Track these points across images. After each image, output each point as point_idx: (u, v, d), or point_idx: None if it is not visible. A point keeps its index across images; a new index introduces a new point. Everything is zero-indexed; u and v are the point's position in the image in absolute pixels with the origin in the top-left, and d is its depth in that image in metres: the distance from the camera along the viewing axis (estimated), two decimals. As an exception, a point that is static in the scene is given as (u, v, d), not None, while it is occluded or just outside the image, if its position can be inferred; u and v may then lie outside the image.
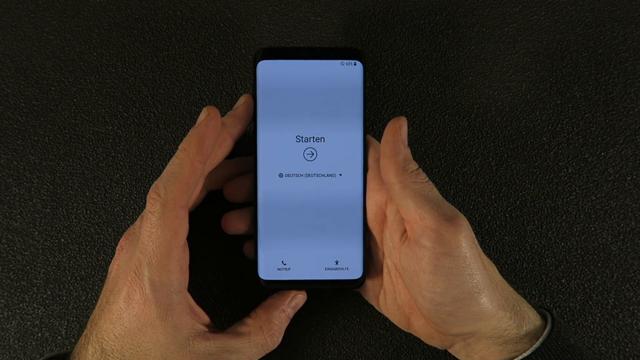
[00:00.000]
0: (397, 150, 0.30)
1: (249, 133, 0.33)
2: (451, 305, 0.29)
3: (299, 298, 0.33)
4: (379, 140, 0.33)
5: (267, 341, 0.31)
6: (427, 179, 0.30)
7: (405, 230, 0.31)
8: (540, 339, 0.30)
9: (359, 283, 0.33)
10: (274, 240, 0.33)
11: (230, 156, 0.35)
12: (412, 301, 0.32)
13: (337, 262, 0.33)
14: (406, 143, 0.31)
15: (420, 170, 0.31)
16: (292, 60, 0.32)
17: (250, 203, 0.34)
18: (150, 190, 0.28)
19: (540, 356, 0.29)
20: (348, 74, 0.32)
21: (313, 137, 0.32)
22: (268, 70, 0.32)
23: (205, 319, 0.31)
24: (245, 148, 0.34)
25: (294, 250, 0.33)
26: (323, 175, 0.33)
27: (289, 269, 0.33)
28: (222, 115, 0.31)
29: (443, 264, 0.28)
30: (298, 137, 0.32)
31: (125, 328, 0.28)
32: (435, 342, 0.33)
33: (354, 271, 0.33)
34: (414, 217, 0.29)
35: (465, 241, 0.29)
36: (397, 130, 0.31)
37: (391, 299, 0.33)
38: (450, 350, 0.33)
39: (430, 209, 0.29)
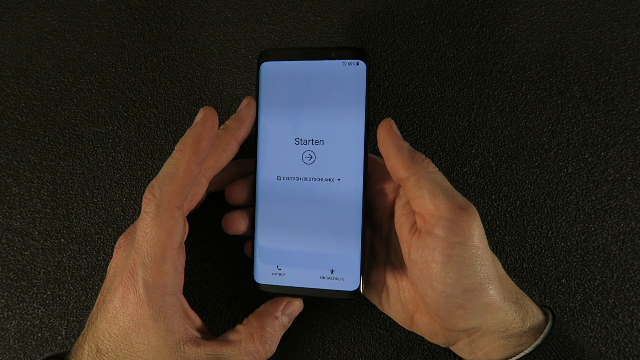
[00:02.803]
0: (398, 146, 0.30)
1: (251, 134, 0.33)
2: (461, 296, 0.28)
3: (295, 306, 0.32)
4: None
5: (259, 349, 0.30)
6: (436, 168, 0.30)
7: (414, 222, 0.30)
8: (542, 335, 0.29)
9: (355, 296, 0.31)
10: (270, 244, 0.32)
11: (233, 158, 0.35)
12: (416, 298, 0.32)
13: (332, 272, 0.31)
14: (402, 138, 0.31)
15: (429, 159, 0.30)
16: (295, 61, 0.32)
17: (249, 204, 0.33)
18: (146, 191, 0.28)
19: (542, 352, 0.29)
20: (350, 74, 0.31)
21: (312, 140, 0.31)
22: (271, 72, 0.32)
23: (199, 323, 0.30)
24: (247, 149, 0.34)
25: (290, 255, 0.32)
26: (321, 179, 0.31)
27: (284, 274, 0.32)
28: (220, 116, 0.31)
29: (456, 254, 0.28)
30: (297, 140, 0.32)
31: (120, 328, 0.28)
32: (439, 340, 0.32)
33: (350, 282, 0.31)
34: (429, 207, 0.29)
35: (478, 231, 0.28)
36: (390, 129, 0.30)
37: (394, 296, 0.33)
38: (452, 348, 0.32)
39: (445, 199, 0.28)
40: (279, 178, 0.32)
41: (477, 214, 0.29)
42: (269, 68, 0.32)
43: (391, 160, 0.30)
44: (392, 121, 0.31)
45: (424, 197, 0.29)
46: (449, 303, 0.29)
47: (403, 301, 0.33)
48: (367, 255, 0.33)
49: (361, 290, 0.32)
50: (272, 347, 0.31)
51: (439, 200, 0.29)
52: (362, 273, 0.31)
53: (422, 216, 0.30)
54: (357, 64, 0.31)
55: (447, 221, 0.28)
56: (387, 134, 0.30)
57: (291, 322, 0.32)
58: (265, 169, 0.32)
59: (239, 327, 0.31)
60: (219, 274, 0.37)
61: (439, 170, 0.38)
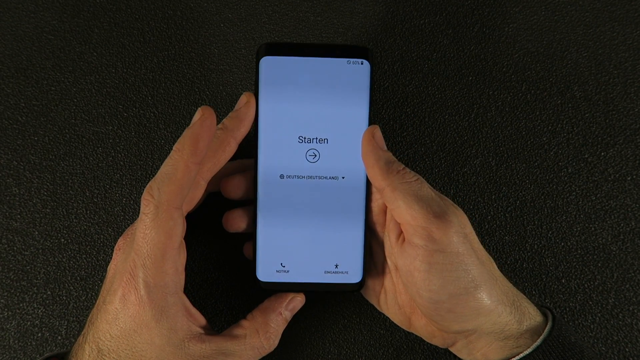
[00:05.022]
0: (377, 156, 0.30)
1: (250, 132, 0.32)
2: (449, 301, 0.28)
3: (297, 301, 0.32)
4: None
5: (263, 344, 0.30)
6: (415, 177, 0.30)
7: (401, 231, 0.30)
8: (542, 336, 0.29)
9: (358, 287, 0.32)
10: (273, 242, 0.32)
11: (233, 157, 0.35)
12: (412, 301, 0.32)
13: (336, 266, 0.32)
14: (384, 148, 0.31)
15: (407, 169, 0.30)
16: (297, 57, 0.31)
17: (247, 200, 0.33)
18: (144, 192, 0.28)
19: (542, 353, 0.29)
20: (354, 73, 0.31)
21: (316, 138, 0.31)
22: (271, 67, 0.31)
23: (202, 320, 0.30)
24: (248, 149, 0.34)
25: (294, 252, 0.32)
26: (325, 177, 0.31)
27: (288, 271, 0.32)
28: (220, 117, 0.31)
29: (436, 261, 0.28)
30: (301, 138, 0.31)
31: (120, 329, 0.28)
32: (437, 341, 0.32)
33: (354, 275, 0.32)
34: (406, 218, 0.29)
35: (457, 237, 0.28)
36: (371, 138, 0.31)
37: (392, 298, 0.33)
38: (451, 349, 0.32)
39: (420, 208, 0.28)
40: (282, 177, 0.31)
41: (457, 220, 0.29)
42: (269, 63, 0.31)
43: (369, 170, 0.30)
44: (377, 129, 0.31)
45: (400, 208, 0.29)
46: (438, 308, 0.29)
47: (400, 303, 0.32)
48: (369, 245, 0.33)
49: (364, 281, 0.32)
50: (275, 342, 0.31)
51: (414, 210, 0.29)
52: (364, 265, 0.32)
53: (403, 226, 0.30)
54: (362, 63, 0.31)
55: (423, 230, 0.28)
56: (368, 143, 0.31)
57: (292, 316, 0.33)
58: (267, 168, 0.31)
59: (243, 322, 0.31)
60: (219, 273, 0.37)
61: (439, 169, 0.38)
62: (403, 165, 0.30)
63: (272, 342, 0.31)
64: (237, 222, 0.33)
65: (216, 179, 0.33)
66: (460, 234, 0.29)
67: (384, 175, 0.30)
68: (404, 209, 0.29)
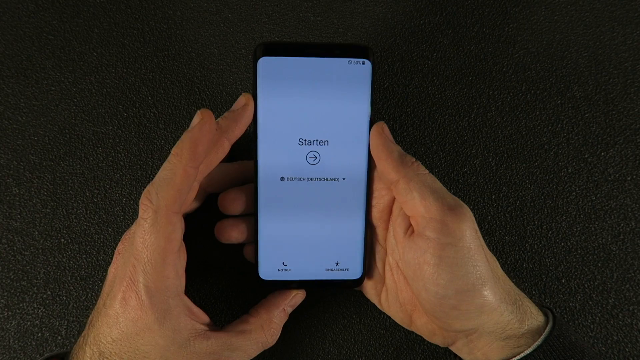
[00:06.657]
0: (389, 149, 0.30)
1: (249, 134, 0.32)
2: (455, 297, 0.28)
3: (299, 297, 0.33)
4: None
5: (267, 339, 0.31)
6: (427, 170, 0.30)
7: (409, 225, 0.30)
8: (543, 336, 0.29)
9: (358, 282, 0.33)
10: (274, 242, 0.32)
11: (232, 158, 0.35)
12: (414, 298, 0.31)
13: (337, 263, 0.32)
14: (394, 142, 0.31)
15: (419, 162, 0.30)
16: (297, 57, 0.30)
17: (246, 215, 0.33)
18: (142, 196, 0.27)
19: (543, 353, 0.29)
20: (356, 73, 0.30)
21: (317, 141, 0.31)
22: (269, 68, 0.30)
23: (205, 318, 0.30)
24: (248, 150, 0.34)
25: (295, 251, 0.32)
26: (326, 179, 0.31)
27: (290, 269, 0.32)
28: (217, 117, 0.30)
29: (447, 255, 0.28)
30: (301, 140, 0.31)
31: (121, 332, 0.28)
32: (437, 340, 0.32)
33: (354, 272, 0.32)
34: (419, 210, 0.29)
35: (469, 231, 0.28)
36: (382, 132, 0.30)
37: (393, 296, 0.32)
38: (452, 348, 0.32)
39: (435, 200, 0.28)
40: (282, 179, 0.31)
41: (469, 215, 0.29)
42: (267, 64, 0.30)
43: (381, 163, 0.30)
44: (385, 124, 0.31)
45: (414, 200, 0.29)
46: (443, 304, 0.29)
47: (401, 301, 0.32)
48: (369, 242, 0.33)
49: (364, 277, 0.33)
50: (277, 337, 0.32)
51: (429, 202, 0.28)
52: (364, 261, 0.32)
53: (414, 219, 0.29)
54: (363, 63, 0.30)
55: (437, 222, 0.28)
56: (379, 137, 0.30)
57: (292, 310, 0.33)
58: (268, 170, 0.31)
59: (248, 318, 0.32)
60: (218, 273, 0.37)
61: (439, 169, 0.37)
62: (414, 158, 0.30)
63: (275, 337, 0.32)
64: (228, 232, 0.32)
65: (216, 179, 0.33)
66: (472, 229, 0.29)
67: (397, 168, 0.29)
68: (419, 200, 0.29)
